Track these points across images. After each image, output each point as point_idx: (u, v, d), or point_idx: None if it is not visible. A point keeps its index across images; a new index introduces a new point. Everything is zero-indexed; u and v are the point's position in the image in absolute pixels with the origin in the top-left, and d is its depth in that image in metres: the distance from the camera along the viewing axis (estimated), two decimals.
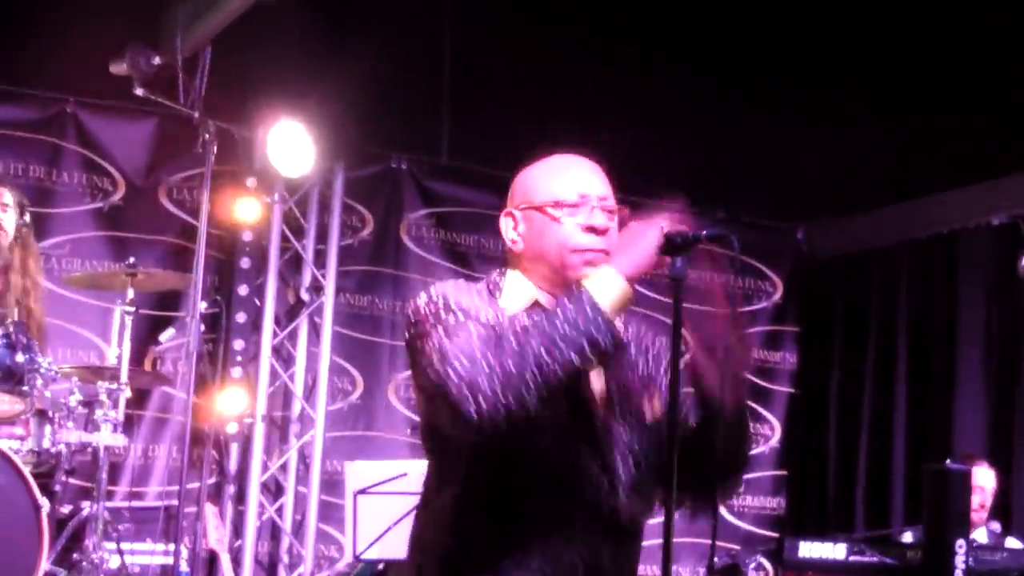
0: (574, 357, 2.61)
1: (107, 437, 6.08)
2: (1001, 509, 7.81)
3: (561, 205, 2.87)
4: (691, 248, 2.75)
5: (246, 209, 7.81)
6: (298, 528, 7.92)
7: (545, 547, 2.78)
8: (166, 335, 6.89)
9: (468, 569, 2.80)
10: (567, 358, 2.61)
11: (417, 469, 6.16)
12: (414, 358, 2.79)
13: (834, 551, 5.54)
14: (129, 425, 6.81)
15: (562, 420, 2.77)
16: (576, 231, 2.86)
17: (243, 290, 7.91)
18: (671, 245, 2.74)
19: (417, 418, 8.13)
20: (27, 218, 6.34)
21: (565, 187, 2.88)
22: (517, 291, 2.90)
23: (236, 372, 7.85)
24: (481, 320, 2.75)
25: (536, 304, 2.87)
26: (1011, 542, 7.24)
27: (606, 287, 2.67)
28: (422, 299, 2.80)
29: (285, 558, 7.92)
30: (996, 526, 7.40)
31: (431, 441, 2.89)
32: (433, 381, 2.66)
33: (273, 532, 7.99)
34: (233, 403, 7.72)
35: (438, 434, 2.81)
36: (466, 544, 2.80)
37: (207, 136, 6.38)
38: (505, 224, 2.95)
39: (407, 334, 2.80)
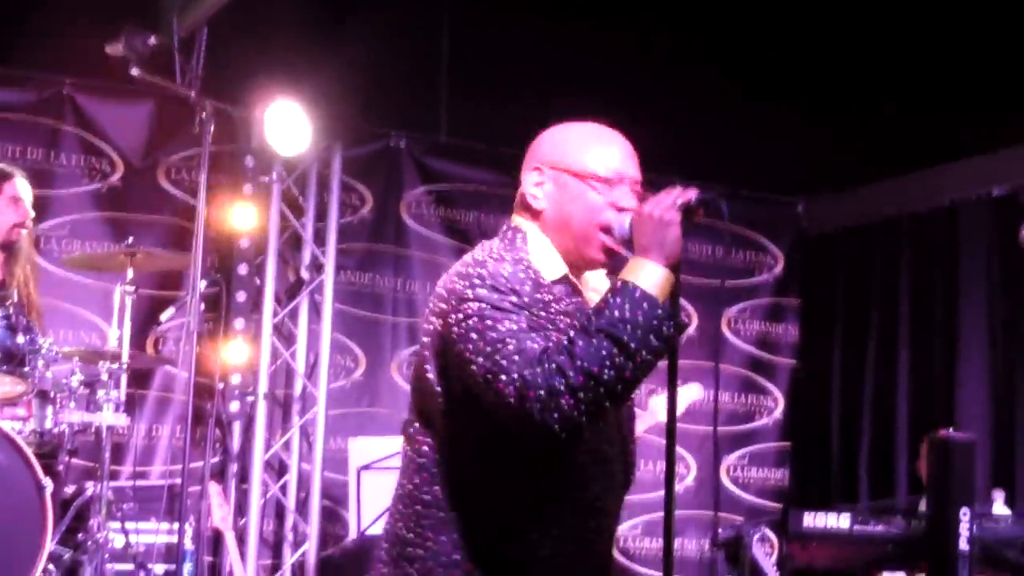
0: (645, 353, 2.62)
1: (109, 417, 6.08)
2: (1005, 477, 7.84)
3: (598, 179, 2.86)
4: (691, 217, 2.75)
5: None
6: (302, 506, 7.93)
7: (586, 512, 2.84)
8: (166, 315, 6.89)
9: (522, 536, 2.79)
10: (644, 358, 2.62)
11: None
12: (458, 357, 2.73)
13: (838, 521, 5.54)
14: (132, 405, 6.81)
15: None
16: (606, 208, 2.86)
17: (243, 269, 7.91)
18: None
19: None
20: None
21: (606, 162, 2.87)
22: (546, 257, 2.87)
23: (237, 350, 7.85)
24: (539, 324, 2.73)
25: (566, 279, 2.87)
26: (998, 507, 7.21)
27: (651, 278, 2.68)
28: (473, 292, 2.74)
29: (290, 536, 7.93)
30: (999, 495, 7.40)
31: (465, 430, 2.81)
32: (501, 394, 2.63)
33: (277, 510, 8.00)
34: (238, 354, 7.72)
35: (489, 429, 2.73)
36: (518, 519, 2.79)
37: (204, 116, 6.36)
38: (528, 178, 2.93)
39: (452, 330, 2.74)
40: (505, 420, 2.64)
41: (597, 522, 2.87)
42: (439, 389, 2.82)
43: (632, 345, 2.59)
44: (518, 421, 2.61)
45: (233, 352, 7.73)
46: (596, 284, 2.97)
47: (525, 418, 2.59)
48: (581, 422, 2.60)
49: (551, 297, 2.79)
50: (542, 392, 2.57)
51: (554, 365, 2.58)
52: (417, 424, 2.90)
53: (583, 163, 2.87)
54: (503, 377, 2.61)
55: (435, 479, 2.83)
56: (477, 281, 2.73)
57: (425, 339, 2.85)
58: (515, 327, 2.66)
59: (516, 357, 2.62)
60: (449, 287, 2.79)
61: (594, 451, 2.81)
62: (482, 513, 2.79)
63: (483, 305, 2.69)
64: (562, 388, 2.57)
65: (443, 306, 2.78)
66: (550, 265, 2.86)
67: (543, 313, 2.75)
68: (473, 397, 2.71)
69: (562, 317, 2.78)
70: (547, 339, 2.67)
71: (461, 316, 2.71)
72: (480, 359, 2.66)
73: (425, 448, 2.87)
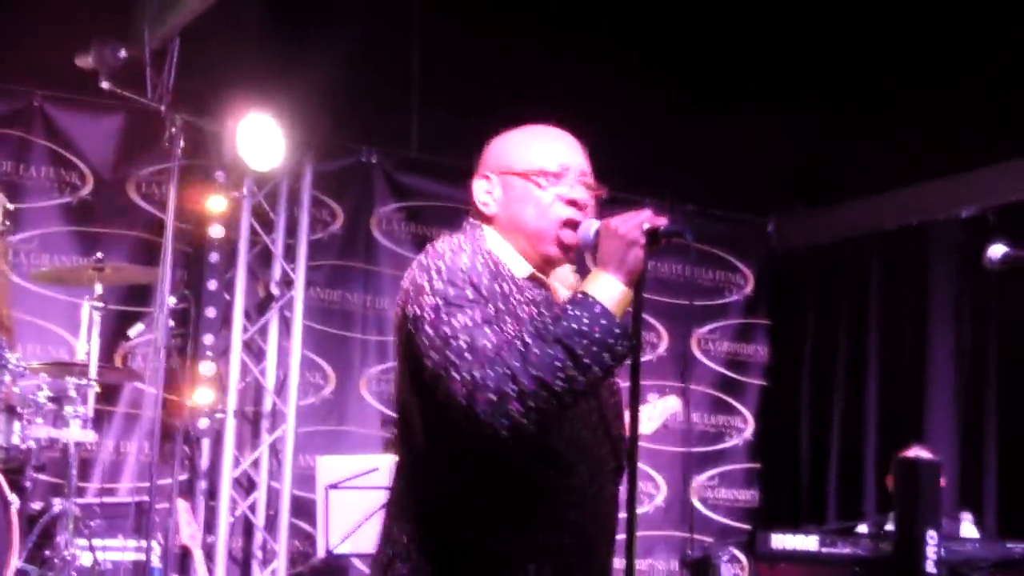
0: (596, 369, 2.64)
1: (76, 433, 6.05)
2: (972, 497, 7.86)
3: (544, 174, 2.89)
4: (656, 242, 2.77)
5: (215, 203, 7.75)
6: (271, 524, 7.89)
7: (575, 511, 2.81)
8: (135, 330, 6.85)
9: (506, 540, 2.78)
10: (595, 373, 2.64)
11: (388, 463, 6.16)
12: (416, 350, 2.74)
13: (806, 542, 5.55)
14: (100, 421, 6.78)
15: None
16: (557, 202, 2.88)
17: (212, 285, 7.86)
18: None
19: (389, 412, 8.11)
20: (7, 223, 6.28)
21: (548, 157, 2.90)
22: (509, 258, 2.89)
23: (206, 367, 7.80)
24: (498, 316, 2.73)
25: (535, 278, 2.89)
26: (966, 528, 7.22)
27: (610, 294, 2.69)
28: (430, 285, 2.75)
29: (258, 554, 7.89)
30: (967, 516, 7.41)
31: (438, 431, 2.80)
32: (451, 391, 2.64)
33: (246, 528, 7.96)
34: (204, 397, 7.68)
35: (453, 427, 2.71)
36: (500, 520, 2.78)
37: (174, 130, 6.35)
38: (478, 186, 2.96)
39: (411, 323, 2.76)
40: (453, 416, 2.66)
41: (593, 509, 2.86)
42: (410, 387, 2.84)
43: (585, 360, 2.62)
44: (466, 419, 2.63)
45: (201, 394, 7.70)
46: (563, 278, 2.99)
47: (473, 418, 2.61)
48: (528, 428, 2.61)
49: (512, 287, 2.81)
50: (492, 395, 2.59)
51: (507, 369, 2.60)
52: (398, 429, 2.92)
53: (527, 162, 2.91)
54: (454, 375, 2.63)
55: (418, 481, 2.85)
56: (435, 274, 2.75)
57: (395, 338, 2.88)
58: (469, 322, 2.68)
59: (468, 355, 2.63)
60: (411, 278, 2.82)
61: (573, 439, 2.81)
62: (467, 509, 2.79)
63: (438, 300, 2.71)
64: (512, 393, 2.59)
65: (404, 299, 2.81)
66: (515, 264, 2.88)
67: (501, 305, 2.76)
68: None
69: (524, 307, 2.80)
70: (502, 333, 2.68)
71: (418, 310, 2.74)
72: (433, 354, 2.68)
73: (407, 451, 2.89)
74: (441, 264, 2.77)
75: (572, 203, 2.88)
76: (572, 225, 2.87)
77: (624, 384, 2.84)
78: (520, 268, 2.88)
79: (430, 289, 2.74)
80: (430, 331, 2.70)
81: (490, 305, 2.73)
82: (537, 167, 2.89)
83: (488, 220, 2.94)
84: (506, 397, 2.58)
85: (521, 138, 2.97)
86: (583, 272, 2.85)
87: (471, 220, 2.97)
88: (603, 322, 2.64)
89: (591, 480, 2.84)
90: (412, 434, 2.87)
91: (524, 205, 2.89)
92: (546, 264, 2.93)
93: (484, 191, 2.95)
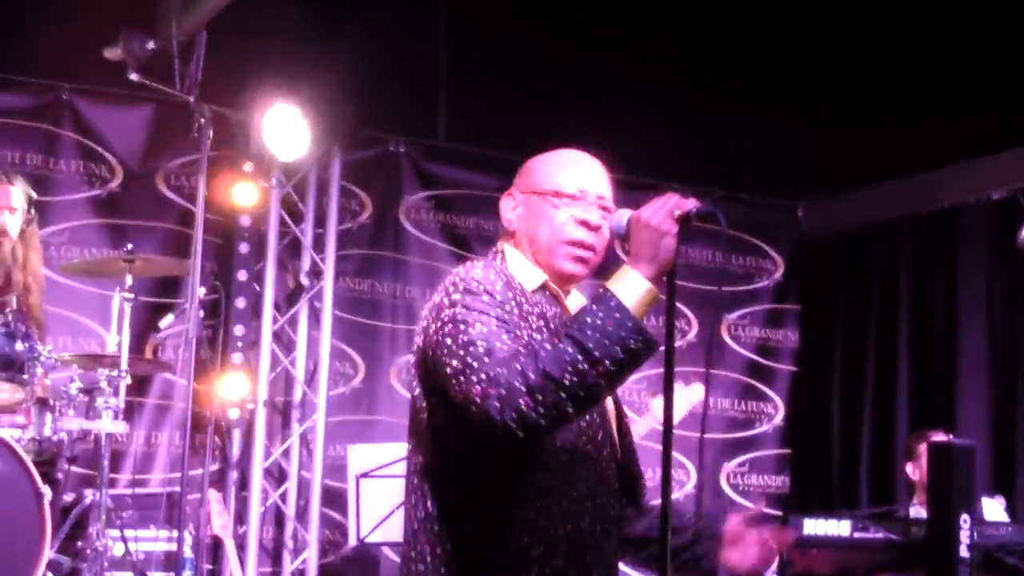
0: (608, 363, 2.65)
1: (108, 424, 6.07)
2: (1005, 482, 7.82)
3: (560, 195, 3.00)
4: (688, 226, 2.76)
5: (243, 194, 7.78)
6: (302, 513, 7.91)
7: (572, 521, 2.87)
8: (165, 322, 6.87)
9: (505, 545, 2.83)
10: (607, 368, 2.65)
11: None
12: (438, 360, 2.81)
13: (838, 528, 5.52)
14: (131, 412, 6.80)
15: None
16: (569, 222, 2.99)
17: (242, 275, 7.88)
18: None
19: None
20: (32, 212, 6.31)
21: (568, 179, 3.02)
22: (524, 269, 3.01)
23: (237, 358, 7.83)
24: (512, 321, 2.81)
25: (546, 287, 3.00)
26: (988, 507, 7.14)
27: (632, 290, 2.71)
28: (448, 299, 2.85)
29: (289, 543, 7.92)
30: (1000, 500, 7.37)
31: (457, 434, 2.87)
32: (468, 392, 2.70)
33: (277, 518, 7.99)
34: (234, 388, 7.71)
35: (469, 429, 2.78)
36: (503, 524, 2.84)
37: (203, 121, 6.35)
38: (505, 204, 3.10)
39: (432, 336, 2.85)
40: (473, 419, 2.71)
41: (591, 521, 2.90)
42: (425, 404, 2.93)
43: (596, 353, 2.64)
44: (482, 419, 2.68)
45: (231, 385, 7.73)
46: (577, 304, 3.05)
47: (486, 416, 2.66)
48: (539, 423, 2.65)
49: (524, 299, 2.90)
50: (503, 391, 2.64)
51: (518, 366, 2.65)
52: (410, 444, 3.00)
53: (549, 183, 3.03)
54: (473, 377, 2.70)
55: (427, 494, 2.92)
56: (451, 288, 2.86)
57: (412, 357, 2.99)
58: (486, 329, 2.75)
59: (485, 358, 2.70)
60: (431, 303, 2.93)
61: (576, 451, 2.87)
62: (471, 521, 2.86)
63: (457, 309, 2.80)
64: (522, 388, 2.63)
65: (426, 321, 2.91)
66: (528, 276, 2.99)
67: (516, 310, 2.84)
68: (452, 405, 2.78)
69: (534, 318, 2.87)
70: (518, 339, 2.75)
71: (439, 323, 2.83)
72: (453, 361, 2.75)
73: (417, 465, 2.96)
74: (456, 278, 2.88)
75: (584, 224, 2.98)
76: (581, 246, 2.99)
77: (656, 371, 2.85)
78: (534, 279, 2.99)
79: (448, 302, 2.84)
80: (449, 341, 2.78)
81: (506, 307, 2.82)
82: (555, 188, 3.01)
83: (511, 235, 3.09)
84: (514, 391, 2.63)
85: (547, 160, 3.10)
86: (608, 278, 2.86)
87: (494, 249, 3.09)
88: (617, 316, 2.67)
89: (591, 493, 2.90)
90: (419, 455, 2.96)
91: (539, 223, 3.02)
92: (561, 280, 3.04)
93: (509, 208, 3.10)
